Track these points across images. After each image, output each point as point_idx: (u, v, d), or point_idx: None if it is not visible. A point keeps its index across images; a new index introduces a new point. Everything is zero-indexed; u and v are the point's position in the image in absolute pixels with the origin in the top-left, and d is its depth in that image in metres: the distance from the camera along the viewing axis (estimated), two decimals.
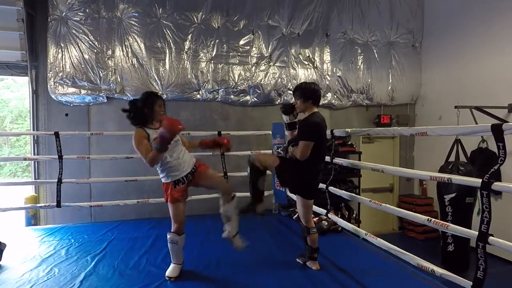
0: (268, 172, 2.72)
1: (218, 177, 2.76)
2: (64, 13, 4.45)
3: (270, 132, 4.57)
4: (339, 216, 4.37)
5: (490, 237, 1.65)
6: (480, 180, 1.63)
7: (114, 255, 2.98)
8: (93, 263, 2.80)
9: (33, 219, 4.30)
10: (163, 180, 2.52)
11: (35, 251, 3.09)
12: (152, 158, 2.26)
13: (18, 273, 2.61)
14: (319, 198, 4.01)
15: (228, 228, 2.56)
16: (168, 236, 2.52)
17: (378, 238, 2.54)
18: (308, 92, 2.54)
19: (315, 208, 3.57)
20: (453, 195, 4.01)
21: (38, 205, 4.10)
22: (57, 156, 3.75)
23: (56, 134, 3.74)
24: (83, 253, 3.02)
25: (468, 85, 5.15)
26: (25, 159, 4.60)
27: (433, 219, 1.98)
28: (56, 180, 3.75)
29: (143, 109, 2.41)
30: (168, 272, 2.52)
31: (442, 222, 1.95)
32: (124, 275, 2.58)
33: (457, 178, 1.87)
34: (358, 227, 3.92)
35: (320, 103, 5.56)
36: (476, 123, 3.93)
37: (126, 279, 2.52)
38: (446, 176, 1.85)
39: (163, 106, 2.50)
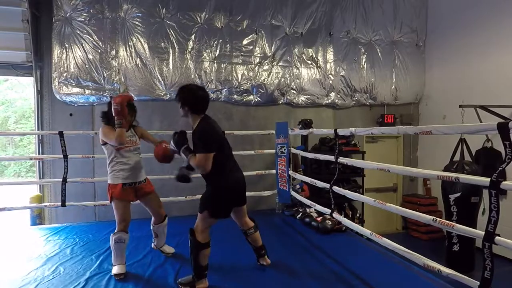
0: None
1: (157, 202, 2.95)
2: (68, 14, 4.47)
3: (274, 132, 4.57)
4: (342, 215, 4.36)
5: (497, 237, 1.64)
6: (489, 179, 1.61)
7: (124, 250, 2.98)
8: (98, 262, 2.82)
9: (38, 219, 4.32)
10: (109, 180, 2.65)
11: (40, 250, 3.11)
12: (118, 134, 2.46)
13: (24, 272, 2.63)
14: (323, 197, 4.02)
15: (155, 241, 3.01)
16: (115, 236, 2.55)
17: (384, 238, 2.53)
18: (187, 98, 2.27)
19: (319, 207, 3.56)
20: (458, 194, 3.99)
21: (43, 204, 4.13)
22: (62, 156, 3.77)
23: (61, 134, 3.76)
24: (88, 252, 3.04)
25: (472, 84, 5.11)
26: (31, 158, 4.64)
27: (438, 219, 1.97)
28: (61, 179, 3.77)
29: (109, 112, 2.60)
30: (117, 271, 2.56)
31: (448, 222, 1.94)
32: (128, 274, 2.59)
33: (464, 177, 1.86)
34: (362, 227, 3.91)
35: (324, 103, 5.67)
36: (481, 122, 3.90)
37: (131, 278, 2.53)
38: (453, 175, 1.83)
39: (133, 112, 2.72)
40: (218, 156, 2.24)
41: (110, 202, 2.64)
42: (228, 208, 2.43)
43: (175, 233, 3.58)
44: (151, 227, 2.96)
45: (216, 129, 2.34)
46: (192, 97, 2.29)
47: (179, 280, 2.43)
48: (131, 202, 2.75)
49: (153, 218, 2.95)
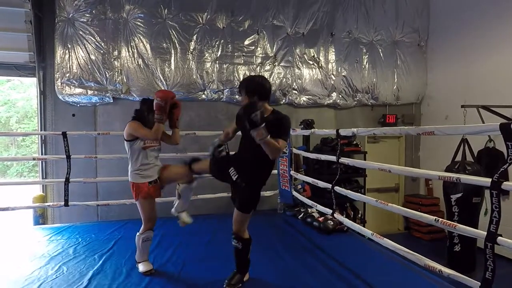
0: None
1: (175, 166, 2.73)
2: (71, 15, 4.50)
3: None
4: (344, 216, 4.36)
5: (499, 237, 1.64)
6: (490, 180, 1.61)
7: (121, 254, 3.00)
8: (101, 261, 2.83)
9: (40, 218, 4.35)
10: (134, 180, 2.57)
11: (43, 249, 3.13)
12: (156, 129, 2.46)
13: (27, 271, 2.65)
14: (325, 198, 4.02)
15: (176, 203, 2.70)
16: (143, 236, 2.58)
17: (385, 238, 2.53)
18: (254, 87, 2.21)
19: (320, 208, 3.57)
20: (460, 195, 3.98)
21: (46, 204, 4.16)
22: (65, 156, 3.79)
23: (64, 134, 3.78)
24: (91, 252, 3.06)
25: (474, 84, 5.10)
26: (34, 159, 4.66)
27: (440, 219, 1.97)
28: (64, 179, 3.79)
29: (148, 114, 2.58)
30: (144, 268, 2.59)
31: (450, 222, 1.94)
32: (131, 274, 2.61)
33: (466, 178, 1.86)
34: (364, 227, 3.91)
35: (325, 103, 5.67)
36: (483, 123, 3.90)
37: (134, 278, 2.54)
38: (455, 175, 1.84)
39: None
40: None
41: (136, 200, 2.60)
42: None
43: (178, 233, 3.60)
44: (176, 186, 2.66)
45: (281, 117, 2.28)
46: (261, 85, 2.24)
47: (226, 283, 2.36)
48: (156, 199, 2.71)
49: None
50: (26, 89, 11.17)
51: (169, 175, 2.63)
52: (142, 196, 2.55)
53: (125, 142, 2.61)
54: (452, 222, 1.93)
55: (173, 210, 2.72)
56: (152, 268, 2.60)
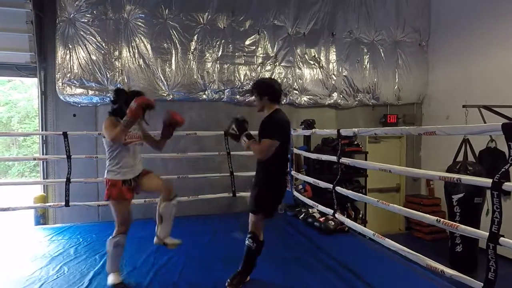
0: None
1: (157, 177, 2.58)
2: (72, 15, 4.50)
3: None
4: (345, 216, 4.36)
5: (501, 238, 1.63)
6: (491, 180, 1.61)
7: (123, 254, 2.99)
8: (102, 262, 2.83)
9: (41, 219, 4.35)
10: (109, 176, 2.37)
11: (44, 249, 3.13)
12: (118, 131, 2.20)
13: (28, 272, 2.65)
14: (326, 198, 4.02)
15: (159, 230, 2.52)
16: (115, 240, 2.37)
17: (386, 239, 2.53)
18: (264, 88, 2.38)
19: (321, 208, 3.56)
20: (461, 195, 3.97)
21: (47, 204, 4.16)
22: (65, 156, 3.79)
23: (65, 134, 3.78)
24: (92, 252, 3.06)
25: (476, 84, 5.09)
26: (35, 159, 4.67)
27: (442, 220, 1.96)
28: (65, 179, 3.79)
29: (122, 107, 2.36)
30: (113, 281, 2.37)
31: (452, 222, 1.93)
32: (132, 274, 2.61)
33: (466, 178, 1.86)
34: (365, 227, 3.91)
35: (326, 103, 5.66)
36: (485, 123, 3.89)
37: (135, 278, 2.54)
38: (455, 176, 1.83)
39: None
40: (280, 150, 2.27)
41: (107, 200, 2.41)
42: (276, 207, 2.47)
43: (179, 233, 3.59)
44: (157, 208, 2.52)
45: (285, 124, 2.36)
46: (271, 87, 2.40)
47: (228, 283, 2.37)
48: (131, 200, 2.51)
49: (160, 196, 2.52)
50: (27, 89, 11.20)
51: (150, 186, 2.49)
52: (114, 196, 2.33)
53: (103, 137, 2.42)
54: (454, 223, 1.92)
55: (156, 239, 2.52)
56: (122, 281, 2.37)
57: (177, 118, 2.59)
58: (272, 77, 5.31)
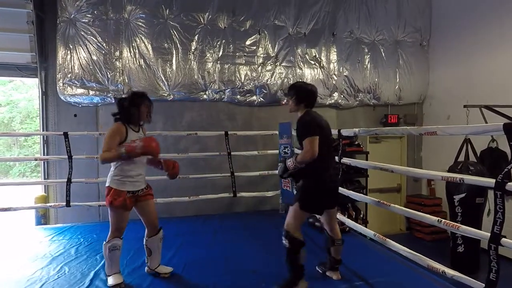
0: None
1: (153, 210, 2.59)
2: (72, 15, 4.50)
3: (277, 132, 4.56)
4: (346, 216, 4.35)
5: (503, 239, 1.63)
6: (494, 180, 1.60)
7: (123, 254, 2.95)
8: (103, 262, 2.82)
9: (42, 219, 4.36)
10: (113, 185, 2.33)
11: (45, 250, 3.13)
12: (109, 158, 2.24)
13: (29, 272, 2.65)
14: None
15: (149, 261, 2.59)
16: (110, 244, 2.36)
17: (387, 239, 2.52)
18: (303, 94, 2.36)
19: None
20: (463, 195, 3.96)
21: (48, 204, 4.16)
22: (66, 156, 3.79)
23: (65, 135, 3.79)
24: (92, 252, 3.06)
25: (477, 84, 5.07)
26: (36, 159, 4.67)
27: (443, 220, 1.96)
28: (66, 180, 3.80)
29: (130, 108, 2.37)
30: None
31: (453, 223, 1.93)
32: (133, 274, 2.61)
33: (469, 178, 1.85)
34: (366, 227, 3.90)
35: (327, 103, 5.65)
36: (486, 122, 3.87)
37: (135, 278, 2.54)
38: (458, 176, 1.82)
39: (149, 108, 2.46)
40: (320, 144, 2.23)
41: (108, 206, 2.37)
42: (320, 204, 2.39)
43: (179, 233, 3.60)
44: (144, 242, 2.59)
45: (318, 120, 2.34)
46: (312, 94, 2.39)
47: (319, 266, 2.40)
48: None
49: (146, 231, 2.59)
50: (28, 90, 11.23)
51: (145, 214, 2.51)
52: (117, 204, 2.31)
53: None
54: (455, 223, 1.91)
55: (147, 269, 2.60)
56: (122, 282, 2.39)
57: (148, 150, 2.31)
58: (273, 77, 5.31)
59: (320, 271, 2.60)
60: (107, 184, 2.38)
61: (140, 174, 2.45)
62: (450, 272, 1.88)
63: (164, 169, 2.58)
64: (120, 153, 2.21)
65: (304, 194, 2.33)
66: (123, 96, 2.56)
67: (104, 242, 2.39)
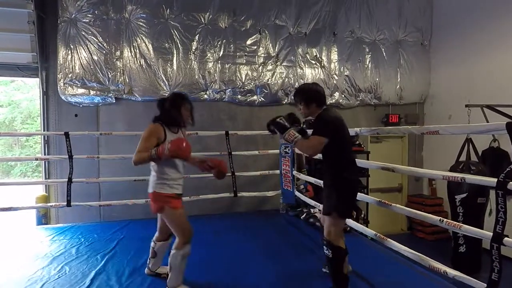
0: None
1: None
2: (73, 15, 4.51)
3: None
4: None
5: (505, 238, 1.62)
6: (495, 180, 1.59)
7: (124, 254, 3.00)
8: (103, 261, 2.83)
9: (43, 218, 4.36)
10: (159, 190, 2.25)
11: (46, 249, 3.13)
12: (142, 158, 2.18)
13: (30, 271, 2.65)
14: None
15: (151, 263, 2.53)
16: (182, 251, 2.23)
17: (388, 239, 2.51)
18: (309, 95, 2.29)
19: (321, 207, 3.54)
20: (465, 195, 3.94)
21: (48, 204, 4.16)
22: (67, 156, 3.80)
23: (66, 134, 3.79)
24: (93, 252, 3.06)
25: (478, 84, 5.06)
26: (36, 159, 4.67)
27: (445, 220, 1.95)
28: (66, 179, 3.80)
29: (170, 110, 2.31)
30: None
31: (455, 222, 1.92)
32: (134, 274, 2.60)
33: (471, 178, 1.84)
34: (367, 227, 3.89)
35: (328, 103, 5.61)
36: (488, 122, 3.86)
37: (136, 278, 2.53)
38: (459, 175, 1.81)
39: (191, 110, 2.40)
40: (335, 147, 2.17)
41: (160, 213, 2.29)
42: (354, 207, 2.32)
43: None
44: (152, 244, 2.54)
45: (339, 122, 2.26)
46: (317, 93, 2.31)
47: (325, 266, 2.34)
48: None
49: (157, 234, 2.55)
50: (30, 90, 11.25)
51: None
52: (172, 205, 2.24)
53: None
54: (457, 223, 1.90)
55: (147, 270, 2.54)
56: None
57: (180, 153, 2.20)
58: (274, 76, 5.30)
59: (328, 272, 2.51)
60: (151, 190, 2.29)
61: (182, 177, 2.39)
62: (451, 272, 1.87)
63: (209, 170, 2.55)
64: (151, 155, 2.17)
65: (339, 200, 2.18)
66: (164, 96, 2.48)
67: (174, 251, 2.24)
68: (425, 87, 6.08)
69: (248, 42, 5.18)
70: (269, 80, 5.27)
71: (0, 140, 11.64)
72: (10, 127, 11.16)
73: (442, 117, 5.67)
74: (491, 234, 1.66)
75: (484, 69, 5.02)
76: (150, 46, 4.79)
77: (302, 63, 5.44)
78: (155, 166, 2.29)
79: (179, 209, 2.30)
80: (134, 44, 4.73)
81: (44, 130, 4.58)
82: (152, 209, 2.31)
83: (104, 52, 4.63)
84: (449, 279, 2.07)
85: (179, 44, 4.89)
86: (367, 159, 5.31)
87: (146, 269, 2.59)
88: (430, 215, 2.17)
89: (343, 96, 5.66)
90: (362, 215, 5.33)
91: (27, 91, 11.55)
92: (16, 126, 11.30)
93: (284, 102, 5.39)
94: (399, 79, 5.92)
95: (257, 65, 5.22)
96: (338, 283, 2.18)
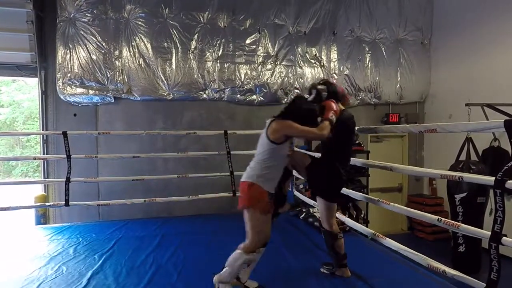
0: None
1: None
2: (72, 15, 4.50)
3: None
4: (347, 216, 4.32)
5: (504, 238, 1.60)
6: (493, 178, 1.57)
7: (122, 254, 2.98)
8: (101, 261, 2.82)
9: (42, 218, 4.35)
10: (260, 183, 2.06)
11: (44, 249, 3.12)
12: (327, 127, 2.08)
13: (27, 271, 2.64)
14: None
15: (241, 273, 2.23)
16: (248, 257, 2.08)
17: (388, 239, 2.49)
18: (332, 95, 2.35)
19: None
20: (464, 194, 3.92)
21: (46, 204, 4.15)
22: (65, 156, 3.79)
23: (64, 134, 3.77)
24: (91, 252, 3.04)
25: (479, 83, 5.03)
26: (34, 158, 4.67)
27: (443, 219, 1.93)
28: (65, 179, 3.79)
29: (307, 110, 2.22)
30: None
31: (453, 222, 1.90)
32: (131, 274, 2.59)
33: (468, 176, 1.82)
34: (367, 227, 3.87)
35: None
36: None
37: (133, 278, 2.52)
38: (457, 174, 1.79)
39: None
40: (334, 143, 2.30)
41: (247, 208, 2.08)
42: (339, 190, 2.48)
43: (178, 232, 3.59)
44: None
45: (347, 121, 2.38)
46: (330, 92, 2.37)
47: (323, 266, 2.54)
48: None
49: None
50: (31, 90, 11.26)
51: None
52: (262, 206, 2.05)
53: (268, 143, 2.09)
54: (456, 222, 1.88)
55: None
56: None
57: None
58: (273, 76, 5.29)
59: (327, 272, 2.54)
60: (248, 180, 2.08)
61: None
62: (450, 271, 1.85)
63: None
64: (332, 119, 2.14)
65: (322, 186, 2.40)
66: (302, 95, 2.50)
67: (240, 251, 2.09)
68: (425, 86, 6.06)
69: (247, 41, 5.17)
70: (269, 79, 5.25)
71: (1, 140, 11.66)
72: (11, 128, 11.18)
73: (442, 117, 5.64)
74: (486, 232, 1.64)
75: (484, 68, 4.99)
76: (149, 46, 4.78)
77: (301, 62, 5.42)
78: (268, 162, 2.10)
79: (268, 214, 2.10)
80: (133, 43, 4.73)
81: (43, 130, 4.58)
82: (243, 202, 2.09)
83: (103, 51, 4.63)
84: (448, 278, 2.05)
85: (178, 44, 4.88)
86: (367, 158, 5.28)
87: (234, 279, 2.22)
88: (428, 214, 2.15)
89: None
90: (362, 215, 5.32)
91: (28, 92, 11.57)
92: (18, 127, 11.32)
93: (284, 102, 5.37)
94: (399, 78, 5.90)
95: (256, 65, 5.21)
96: (336, 261, 2.46)
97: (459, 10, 5.46)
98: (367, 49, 5.73)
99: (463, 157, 4.16)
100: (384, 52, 5.79)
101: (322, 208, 2.46)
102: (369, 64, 5.74)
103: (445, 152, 5.02)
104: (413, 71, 5.94)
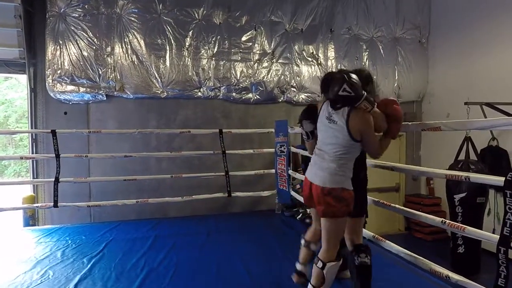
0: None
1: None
2: (62, 10, 4.36)
3: (273, 130, 4.45)
4: None
5: None
6: (503, 179, 1.49)
7: (112, 257, 2.88)
8: (89, 265, 2.70)
9: (31, 220, 4.21)
10: (347, 186, 1.79)
11: (30, 252, 3.00)
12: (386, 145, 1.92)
13: (12, 276, 2.52)
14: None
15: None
16: (336, 264, 1.84)
17: (386, 241, 2.41)
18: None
19: None
20: (464, 194, 3.86)
21: (34, 205, 4.00)
22: (54, 155, 3.66)
23: (53, 132, 3.65)
24: (80, 255, 2.93)
25: (477, 81, 4.98)
26: (21, 158, 4.50)
27: (448, 221, 1.85)
28: (53, 179, 3.66)
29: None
30: None
31: (458, 224, 1.82)
32: (120, 278, 2.48)
33: (475, 177, 1.74)
34: (364, 227, 3.79)
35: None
36: None
37: (123, 282, 2.41)
38: (464, 174, 1.71)
39: None
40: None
41: (336, 215, 1.78)
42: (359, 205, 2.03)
43: (172, 234, 3.49)
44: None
45: None
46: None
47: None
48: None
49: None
50: (24, 89, 11.03)
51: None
52: (348, 211, 1.78)
53: (351, 141, 1.81)
54: (461, 225, 1.80)
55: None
56: None
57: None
58: (269, 74, 5.19)
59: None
60: (333, 185, 1.77)
61: None
62: (454, 277, 1.77)
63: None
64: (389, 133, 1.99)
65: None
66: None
67: (330, 263, 1.82)
68: (423, 85, 6.00)
69: (243, 38, 5.07)
70: (265, 77, 5.15)
71: None
72: (4, 126, 10.97)
73: (440, 115, 5.57)
74: (493, 235, 1.56)
75: (482, 67, 4.95)
76: (142, 42, 4.65)
77: (298, 60, 5.33)
78: (347, 160, 1.83)
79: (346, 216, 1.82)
80: (125, 40, 4.60)
81: (32, 128, 4.43)
82: (327, 209, 1.77)
83: (94, 48, 4.50)
84: (448, 281, 1.97)
85: (172, 40, 4.76)
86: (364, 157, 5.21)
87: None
88: (432, 216, 2.07)
89: None
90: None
91: (21, 90, 11.37)
92: (11, 125, 11.13)
93: (280, 100, 5.28)
94: (396, 77, 5.83)
95: (252, 62, 5.11)
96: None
97: (457, 9, 5.41)
98: (365, 47, 5.65)
99: (461, 156, 4.11)
100: (381, 51, 5.72)
101: (356, 226, 2.05)
102: (367, 62, 5.67)
103: (443, 151, 4.98)
104: (411, 70, 5.88)
